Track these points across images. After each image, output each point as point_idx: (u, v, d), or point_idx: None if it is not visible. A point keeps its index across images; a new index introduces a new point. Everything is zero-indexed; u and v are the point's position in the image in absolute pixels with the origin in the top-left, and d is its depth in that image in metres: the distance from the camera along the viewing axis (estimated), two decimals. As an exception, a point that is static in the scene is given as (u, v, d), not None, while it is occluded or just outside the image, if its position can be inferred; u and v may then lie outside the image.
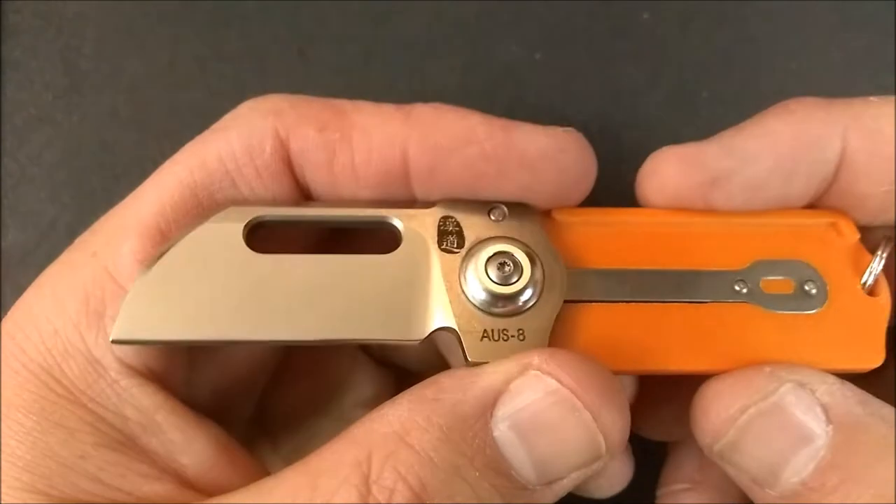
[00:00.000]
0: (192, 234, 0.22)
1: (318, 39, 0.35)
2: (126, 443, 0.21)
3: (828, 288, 0.23)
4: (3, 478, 0.20)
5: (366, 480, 0.19)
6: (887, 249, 0.24)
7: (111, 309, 0.21)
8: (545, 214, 0.23)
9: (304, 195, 0.24)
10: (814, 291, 0.23)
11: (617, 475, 0.29)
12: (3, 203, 0.34)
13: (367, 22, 0.35)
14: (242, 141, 0.22)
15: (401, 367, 0.30)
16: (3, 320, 0.22)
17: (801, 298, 0.23)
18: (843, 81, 0.35)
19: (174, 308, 0.21)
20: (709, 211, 0.24)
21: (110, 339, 0.21)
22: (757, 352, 0.23)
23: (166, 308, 0.21)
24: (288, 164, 0.23)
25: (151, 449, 0.22)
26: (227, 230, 0.22)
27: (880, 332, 0.23)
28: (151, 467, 0.21)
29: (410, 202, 0.23)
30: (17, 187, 0.34)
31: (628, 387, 0.28)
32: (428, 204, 0.23)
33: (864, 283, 0.23)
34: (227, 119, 0.23)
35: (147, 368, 0.22)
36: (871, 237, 0.24)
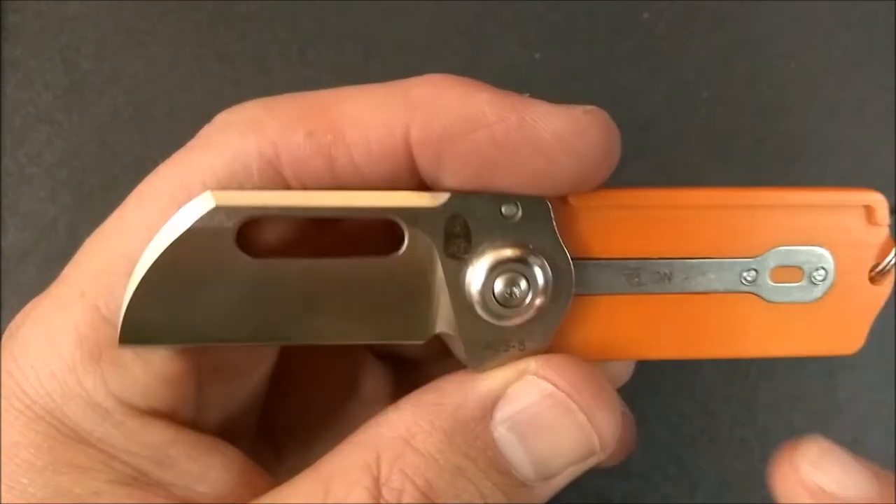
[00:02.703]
0: (178, 240, 0.20)
1: (318, 39, 0.35)
2: (140, 478, 0.21)
3: (835, 276, 0.23)
4: None
5: (376, 482, 0.20)
6: None
7: (107, 353, 0.21)
8: (560, 198, 0.22)
9: None
10: (820, 280, 0.23)
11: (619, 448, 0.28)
12: (2, 203, 0.34)
13: (367, 22, 0.35)
14: (226, 167, 0.21)
15: (402, 358, 0.30)
16: (1, 356, 0.22)
17: (804, 288, 0.23)
18: (843, 81, 0.35)
19: (173, 313, 0.21)
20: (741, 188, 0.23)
21: (118, 343, 0.21)
22: (747, 341, 0.23)
23: (166, 313, 0.21)
24: (282, 177, 0.21)
25: (167, 481, 0.21)
26: (216, 234, 0.20)
27: (868, 319, 0.23)
28: (168, 499, 0.21)
29: (421, 187, 0.22)
30: (16, 187, 0.34)
31: (628, 369, 0.27)
32: (438, 194, 0.21)
33: (876, 272, 0.23)
34: (204, 137, 0.22)
35: (152, 409, 0.21)
36: None
